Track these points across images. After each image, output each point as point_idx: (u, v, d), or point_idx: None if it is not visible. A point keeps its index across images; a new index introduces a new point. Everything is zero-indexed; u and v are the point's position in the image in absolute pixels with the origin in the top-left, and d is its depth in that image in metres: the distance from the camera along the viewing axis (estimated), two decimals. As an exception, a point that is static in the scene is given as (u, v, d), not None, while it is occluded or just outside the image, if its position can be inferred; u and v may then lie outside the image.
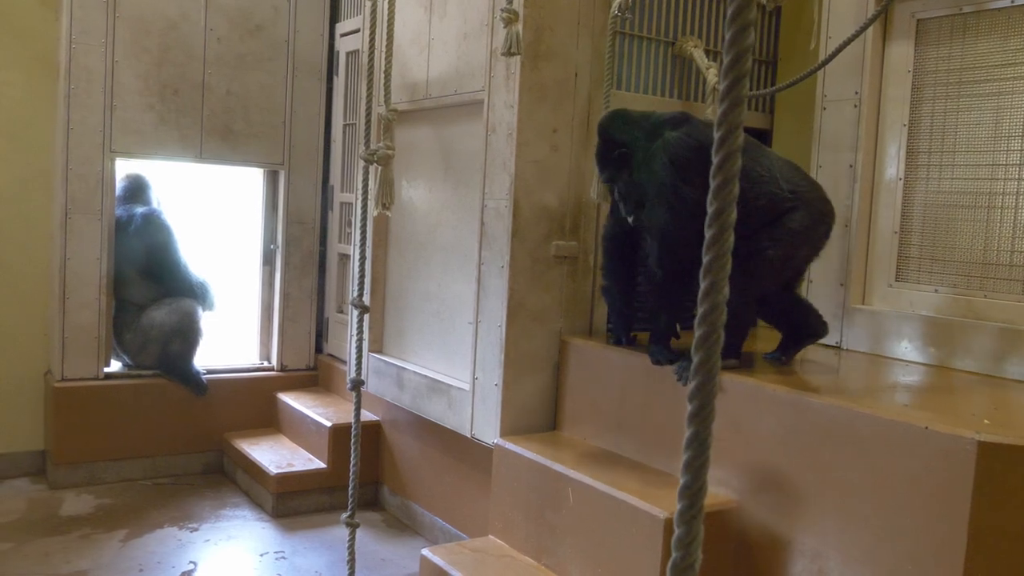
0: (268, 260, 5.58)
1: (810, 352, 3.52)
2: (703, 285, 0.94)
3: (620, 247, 3.29)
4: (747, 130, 3.81)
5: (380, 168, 3.47)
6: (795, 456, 2.64)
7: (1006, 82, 3.15)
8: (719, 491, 2.87)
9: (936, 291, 3.32)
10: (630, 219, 3.08)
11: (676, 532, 0.95)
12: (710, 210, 0.93)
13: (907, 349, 3.33)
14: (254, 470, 4.79)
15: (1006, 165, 3.14)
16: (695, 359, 0.95)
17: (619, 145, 3.06)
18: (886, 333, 3.40)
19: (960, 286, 3.26)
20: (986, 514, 2.17)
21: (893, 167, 3.47)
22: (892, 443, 2.35)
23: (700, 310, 0.94)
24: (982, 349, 3.11)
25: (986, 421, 2.35)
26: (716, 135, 0.93)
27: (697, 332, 0.95)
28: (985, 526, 2.18)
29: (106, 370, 4.99)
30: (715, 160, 0.93)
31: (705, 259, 0.93)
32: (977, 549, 2.18)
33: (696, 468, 0.94)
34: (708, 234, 0.93)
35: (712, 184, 0.93)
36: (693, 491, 0.94)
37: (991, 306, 3.14)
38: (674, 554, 0.94)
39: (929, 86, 3.38)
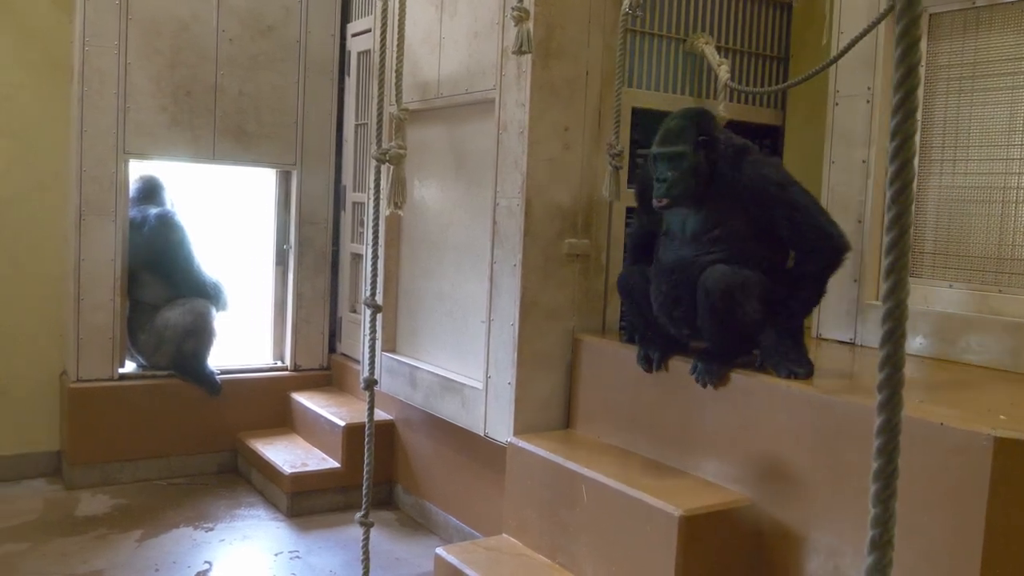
0: (281, 260, 5.60)
1: (824, 349, 3.51)
2: (886, 286, 0.98)
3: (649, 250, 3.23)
4: (760, 127, 3.79)
5: (392, 167, 3.47)
6: (810, 453, 2.63)
7: (1019, 76, 3.13)
8: (734, 488, 2.87)
9: (951, 286, 3.30)
10: (662, 202, 2.94)
11: (872, 512, 1.06)
12: (889, 216, 0.97)
13: (922, 345, 3.31)
14: (268, 470, 4.81)
15: (1020, 159, 3.12)
16: (882, 354, 0.98)
17: (706, 134, 2.99)
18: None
19: (975, 281, 3.24)
20: (1003, 510, 2.16)
21: (914, 164, 3.44)
22: (907, 440, 2.32)
23: (885, 307, 0.99)
24: (997, 344, 3.09)
25: (1002, 417, 2.34)
26: (891, 144, 0.96)
27: (884, 326, 1.00)
28: (1002, 522, 2.17)
29: (121, 371, 5.01)
30: (891, 168, 0.96)
31: (887, 261, 0.98)
32: (994, 545, 2.16)
33: (889, 452, 0.97)
34: (888, 237, 0.98)
35: (889, 191, 0.97)
36: (886, 474, 0.96)
37: (1006, 301, 3.12)
38: (871, 532, 0.99)
39: (942, 81, 3.36)
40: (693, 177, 2.94)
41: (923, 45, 3.40)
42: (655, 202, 2.96)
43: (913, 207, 0.89)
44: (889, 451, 0.97)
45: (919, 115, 3.37)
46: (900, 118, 0.93)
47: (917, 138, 0.94)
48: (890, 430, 0.97)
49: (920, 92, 0.95)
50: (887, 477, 0.98)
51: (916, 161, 3.38)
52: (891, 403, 0.97)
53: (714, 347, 2.93)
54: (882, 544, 0.97)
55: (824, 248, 2.83)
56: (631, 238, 3.52)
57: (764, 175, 2.90)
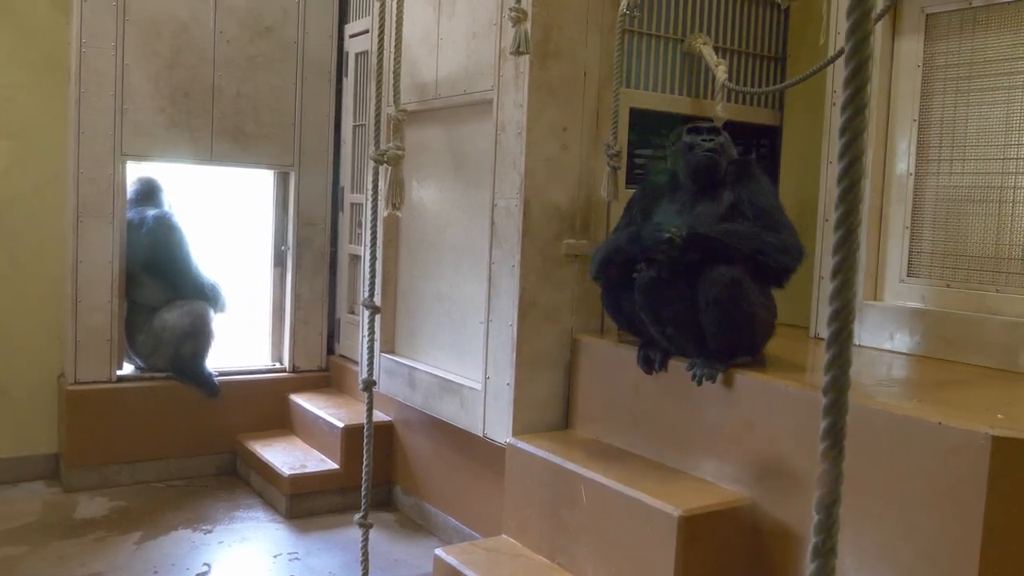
0: (279, 261, 5.60)
1: (823, 348, 3.51)
2: (834, 284, 0.95)
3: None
4: (758, 127, 3.85)
5: (390, 168, 3.48)
6: (809, 453, 2.63)
7: (1017, 76, 3.14)
8: (733, 488, 2.87)
9: (948, 286, 3.30)
10: (712, 160, 3.07)
11: (816, 517, 1.01)
12: (837, 213, 0.96)
13: (919, 344, 3.32)
14: (267, 471, 4.80)
15: (1017, 159, 3.12)
16: (827, 354, 0.99)
17: (725, 135, 3.19)
18: (898, 328, 3.39)
19: (972, 281, 3.25)
20: (1001, 509, 2.17)
21: (904, 162, 3.45)
22: (905, 439, 2.35)
23: (832, 307, 0.98)
24: (995, 343, 3.09)
25: (1000, 416, 2.34)
26: (840, 141, 0.94)
27: (829, 328, 0.99)
28: (1000, 521, 2.17)
29: (119, 373, 5.01)
30: (840, 166, 0.95)
31: (835, 259, 0.97)
32: (992, 544, 2.17)
33: (833, 458, 0.95)
34: (837, 235, 0.96)
35: (838, 188, 0.95)
36: (832, 477, 1.00)
37: (1004, 300, 3.13)
38: (815, 539, 0.98)
39: (939, 81, 3.37)
40: (724, 156, 3.12)
41: (919, 44, 3.41)
42: (707, 154, 3.07)
43: (862, 205, 0.88)
44: (833, 455, 0.97)
45: (914, 114, 3.38)
46: (850, 113, 0.93)
47: (865, 136, 0.93)
48: (835, 434, 0.96)
49: (870, 88, 0.94)
50: (831, 482, 0.97)
51: (910, 161, 3.39)
52: (836, 406, 0.97)
53: (714, 346, 2.93)
54: (824, 552, 0.97)
55: (797, 266, 2.95)
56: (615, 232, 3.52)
57: (760, 194, 3.03)
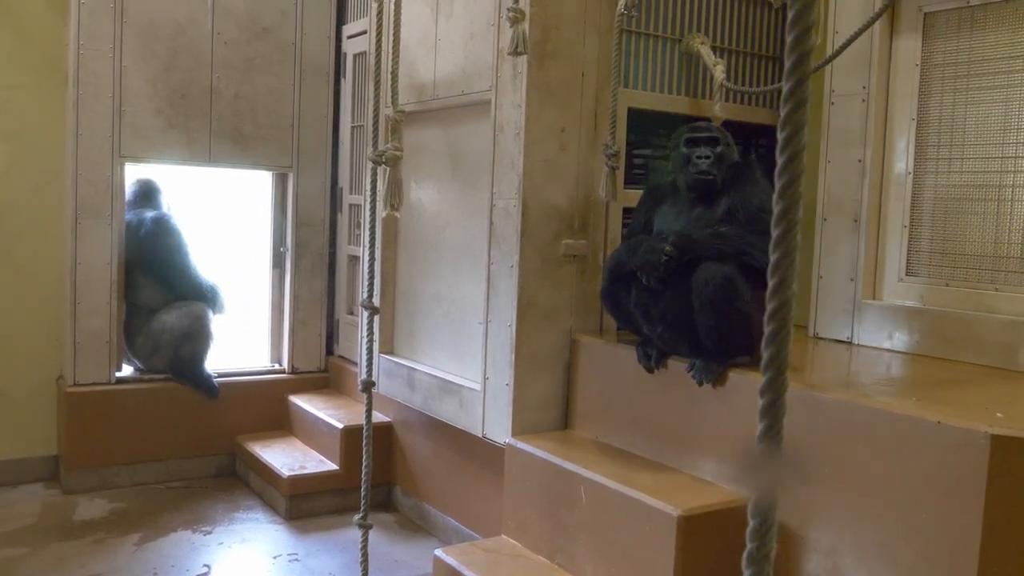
0: (278, 263, 5.59)
1: (821, 348, 3.51)
2: (772, 283, 0.94)
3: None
4: (756, 126, 3.85)
5: (388, 169, 3.48)
6: (808, 452, 2.63)
7: (1015, 75, 3.14)
8: (731, 488, 2.87)
9: (947, 285, 3.30)
10: (708, 176, 3.06)
11: (751, 523, 0.97)
12: (776, 208, 0.95)
13: (918, 343, 3.32)
14: (266, 473, 4.80)
15: (1016, 158, 3.13)
16: (765, 354, 0.97)
17: (726, 137, 3.19)
18: (897, 328, 3.39)
19: (971, 279, 3.25)
20: (1001, 508, 2.17)
21: (902, 161, 3.46)
22: (905, 438, 2.35)
23: (770, 306, 0.96)
24: (994, 342, 3.10)
25: (999, 414, 2.34)
26: (780, 135, 0.93)
27: (768, 327, 0.96)
28: (1000, 520, 2.17)
29: (118, 375, 5.01)
30: (780, 160, 0.93)
31: (773, 257, 0.95)
32: (992, 543, 2.17)
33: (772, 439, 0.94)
34: (775, 232, 0.95)
35: (778, 184, 0.94)
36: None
37: (1002, 299, 3.13)
38: (749, 545, 0.96)
39: (937, 80, 3.37)
40: (722, 165, 3.11)
41: (917, 43, 3.41)
42: (699, 176, 3.06)
43: (801, 201, 0.87)
44: (771, 459, 0.95)
45: (912, 113, 3.38)
46: (791, 107, 0.92)
47: (805, 130, 0.93)
48: (772, 437, 0.95)
49: (809, 84, 0.93)
50: (769, 488, 0.95)
51: (909, 161, 3.39)
52: (774, 408, 0.95)
53: (711, 346, 2.93)
54: (759, 559, 0.95)
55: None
56: (627, 237, 3.54)
57: (754, 198, 3.02)
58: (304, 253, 5.50)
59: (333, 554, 4.17)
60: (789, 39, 0.92)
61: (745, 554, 0.95)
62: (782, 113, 0.93)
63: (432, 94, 4.11)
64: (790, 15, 0.92)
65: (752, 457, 0.95)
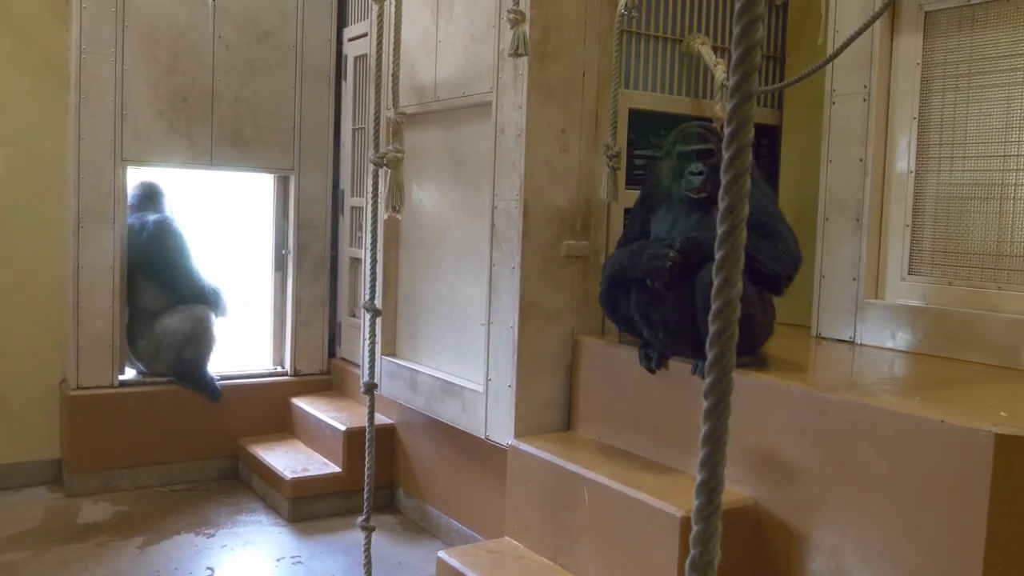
0: (280, 265, 5.60)
1: (824, 347, 3.51)
2: (716, 281, 0.94)
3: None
4: (757, 126, 3.84)
5: (390, 171, 3.48)
6: (811, 452, 2.63)
7: (1016, 73, 3.14)
8: (735, 488, 2.86)
9: (949, 284, 3.30)
10: (700, 194, 3.05)
11: (694, 529, 0.95)
12: (722, 205, 0.93)
13: (921, 342, 3.31)
14: (269, 475, 4.80)
15: (1017, 156, 3.12)
16: (710, 355, 0.96)
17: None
18: (900, 327, 3.39)
19: (973, 278, 3.24)
20: (1005, 507, 2.16)
21: (904, 160, 3.45)
22: (908, 437, 2.34)
23: (714, 305, 0.94)
24: (997, 341, 3.09)
25: (1003, 413, 2.34)
26: (727, 130, 0.93)
27: (712, 327, 0.95)
28: (1004, 519, 2.17)
29: (121, 378, 5.01)
30: (726, 155, 0.93)
31: (718, 255, 0.93)
32: (996, 542, 2.16)
33: (712, 465, 0.94)
34: (721, 229, 0.93)
35: (724, 179, 0.94)
36: (710, 487, 0.94)
37: (1005, 298, 3.13)
38: (692, 551, 0.94)
39: (938, 78, 3.36)
40: (717, 175, 3.04)
41: (918, 42, 3.41)
42: (691, 194, 3.04)
43: (747, 186, 0.87)
44: (713, 463, 0.94)
45: (914, 112, 3.38)
46: (738, 99, 0.92)
47: (752, 103, 0.93)
48: (715, 440, 0.94)
49: (755, 78, 0.93)
50: (710, 490, 0.95)
51: (911, 160, 3.38)
52: (718, 410, 0.94)
53: None
54: (702, 565, 0.95)
55: (792, 274, 2.96)
56: (623, 241, 3.53)
57: (759, 202, 3.00)
58: (306, 255, 5.51)
59: (336, 556, 4.17)
60: (737, 29, 0.91)
61: (688, 560, 0.94)
62: (729, 106, 0.93)
63: (433, 96, 4.11)
64: (737, 7, 0.92)
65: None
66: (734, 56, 0.92)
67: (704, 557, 0.94)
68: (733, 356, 0.94)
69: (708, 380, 0.94)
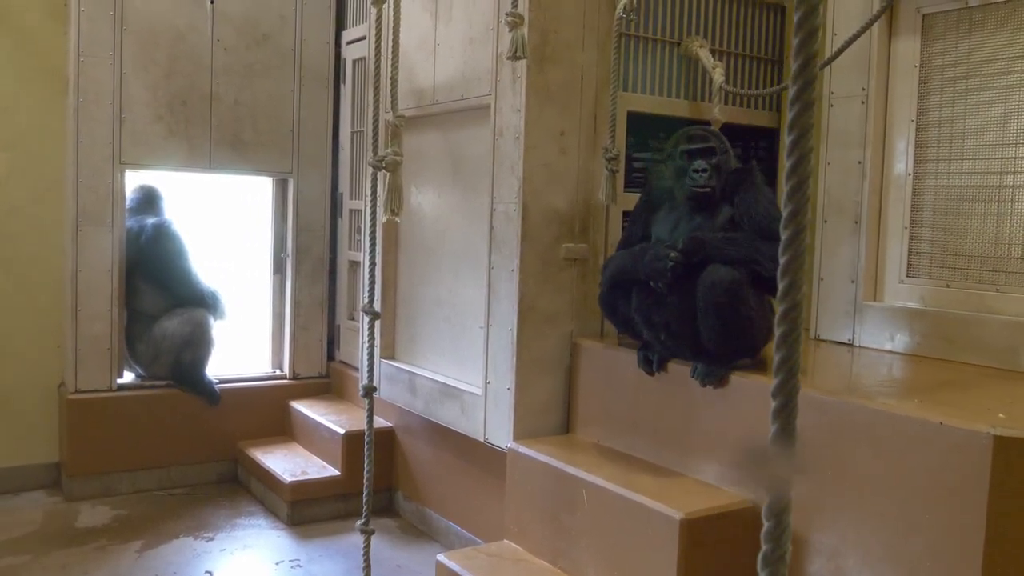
0: (278, 268, 5.60)
1: (823, 350, 3.51)
2: (782, 285, 0.95)
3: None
4: (755, 129, 3.84)
5: (389, 174, 3.48)
6: (810, 455, 2.63)
7: (1014, 75, 3.14)
8: (734, 490, 2.87)
9: (948, 286, 3.30)
10: (704, 189, 3.05)
11: (765, 525, 0.97)
12: (785, 211, 0.95)
13: (920, 345, 3.31)
14: (268, 479, 4.80)
15: (1015, 159, 3.13)
16: (776, 357, 0.97)
17: (724, 143, 3.16)
18: (898, 329, 3.39)
19: (972, 280, 3.25)
20: (1004, 508, 2.16)
21: (902, 163, 3.46)
22: (907, 439, 2.34)
23: (781, 308, 0.96)
24: (995, 343, 3.09)
25: (1001, 415, 2.34)
26: (788, 138, 0.94)
27: (779, 330, 0.96)
28: (1003, 520, 2.17)
29: (119, 381, 5.00)
30: (788, 162, 0.94)
31: (783, 259, 0.95)
32: (995, 543, 2.16)
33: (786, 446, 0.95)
34: (785, 235, 0.95)
35: (787, 186, 0.95)
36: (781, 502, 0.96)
37: (1004, 300, 3.13)
38: (764, 547, 0.96)
39: (936, 81, 3.37)
40: (720, 174, 3.08)
41: (916, 45, 3.41)
42: (696, 189, 3.05)
43: (808, 204, 0.89)
44: (784, 460, 0.95)
45: (912, 114, 3.38)
46: (798, 109, 0.93)
47: (812, 132, 0.93)
48: (785, 438, 0.95)
49: (816, 86, 0.94)
50: (781, 488, 0.95)
51: (908, 162, 3.39)
52: (786, 410, 0.95)
53: (713, 349, 2.93)
54: (775, 560, 0.95)
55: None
56: (624, 243, 3.53)
57: (758, 205, 3.01)
58: (305, 259, 5.50)
59: (335, 560, 4.17)
60: (795, 41, 0.92)
61: (760, 556, 0.95)
62: (789, 115, 0.94)
63: (432, 99, 4.11)
64: (796, 16, 0.92)
65: (763, 458, 0.95)
66: (794, 66, 0.93)
67: (776, 552, 0.97)
68: (799, 358, 0.96)
69: (776, 381, 0.96)
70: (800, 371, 0.96)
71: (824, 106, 3.67)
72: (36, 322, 5.00)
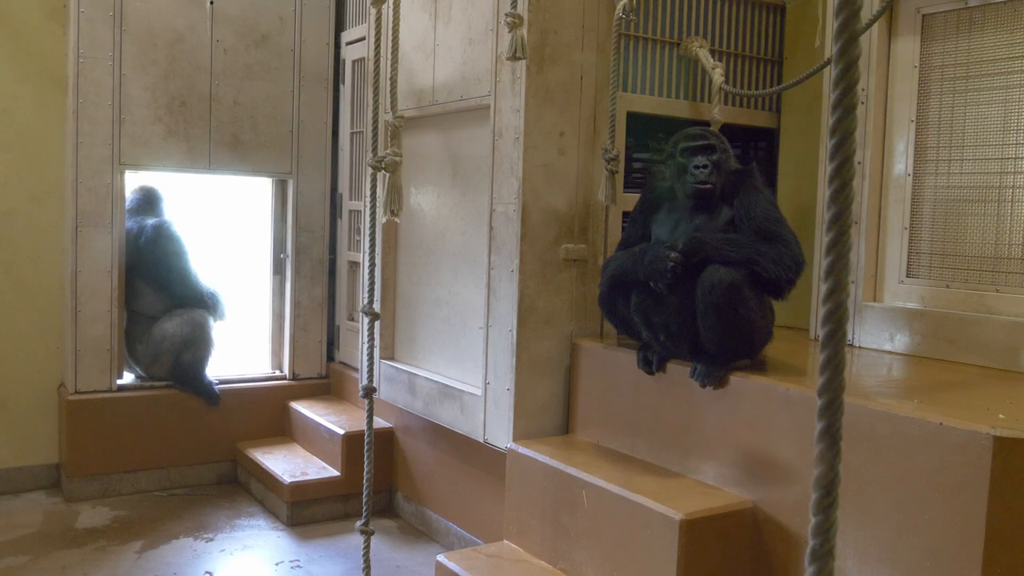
0: (278, 269, 5.60)
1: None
2: (826, 286, 0.97)
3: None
4: (755, 129, 3.84)
5: (388, 175, 3.48)
6: (810, 455, 2.62)
7: (1013, 75, 3.14)
8: (734, 491, 2.87)
9: (947, 286, 3.30)
10: (705, 186, 3.04)
11: (813, 520, 0.98)
12: (828, 214, 0.97)
13: (919, 345, 3.31)
14: (268, 479, 4.80)
15: (1015, 159, 3.13)
16: (822, 356, 0.97)
17: (723, 143, 3.16)
18: (898, 329, 3.39)
19: (971, 281, 3.25)
20: (1004, 508, 2.16)
21: (902, 163, 3.46)
22: (907, 440, 2.34)
23: (824, 309, 0.98)
24: (995, 343, 3.09)
25: (1001, 416, 2.34)
26: (831, 141, 0.96)
27: (824, 329, 0.98)
28: (1003, 520, 2.17)
29: (119, 382, 5.00)
30: (831, 166, 0.96)
31: (827, 260, 0.97)
32: (995, 544, 2.16)
33: (829, 459, 0.98)
34: (828, 237, 0.97)
35: (829, 188, 0.97)
36: (828, 480, 0.98)
37: (1003, 300, 3.13)
38: (812, 541, 0.97)
39: (936, 81, 3.37)
40: (720, 172, 3.09)
41: (916, 45, 3.41)
42: (697, 185, 3.05)
43: (852, 207, 0.90)
44: (830, 457, 0.97)
45: (912, 114, 3.38)
46: (840, 113, 0.94)
47: (854, 136, 0.95)
48: (831, 436, 0.96)
49: (857, 86, 0.95)
50: (828, 484, 0.97)
51: (908, 162, 3.39)
52: (832, 408, 0.96)
53: (713, 350, 2.93)
54: (823, 554, 0.96)
55: (794, 278, 2.92)
56: (624, 244, 3.53)
57: (758, 206, 3.01)
58: (304, 259, 5.50)
59: (335, 560, 4.17)
60: (836, 47, 0.93)
61: (808, 551, 0.97)
62: (831, 120, 0.95)
63: (431, 99, 4.11)
64: (836, 23, 0.94)
65: None
66: (835, 72, 0.94)
67: (824, 547, 0.97)
68: (844, 356, 0.97)
69: (822, 379, 0.98)
70: (843, 370, 0.98)
71: (824, 106, 3.66)
72: (36, 323, 5.00)
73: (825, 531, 0.96)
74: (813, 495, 0.99)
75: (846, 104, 0.93)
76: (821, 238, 3.64)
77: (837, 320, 0.96)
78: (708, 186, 3.04)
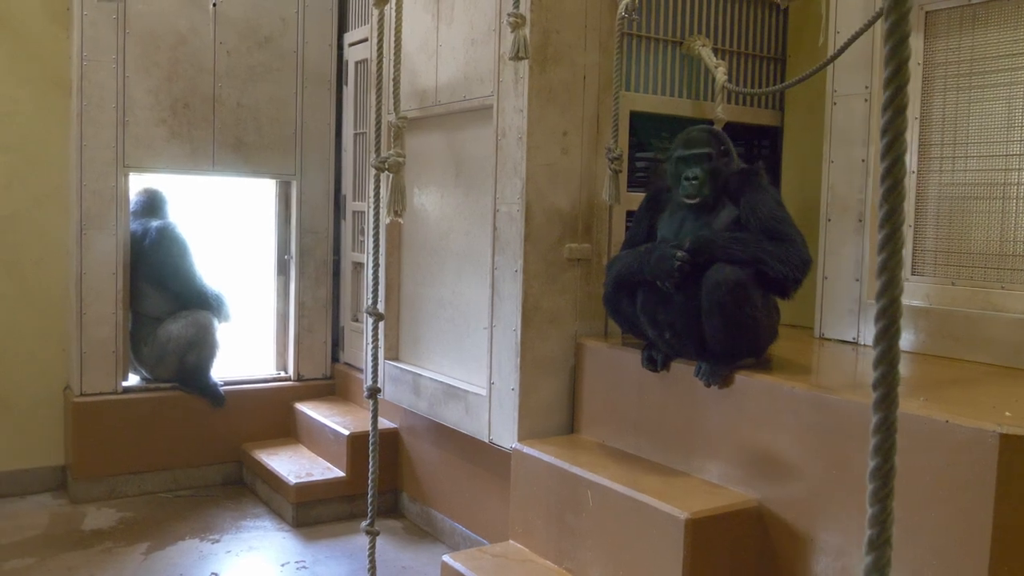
0: (282, 270, 5.60)
1: (828, 349, 3.50)
2: (880, 282, 1.00)
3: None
4: (758, 128, 3.84)
5: (391, 176, 3.48)
6: (815, 454, 2.62)
7: (1017, 72, 3.13)
8: (739, 490, 2.86)
9: (953, 284, 3.29)
10: (694, 199, 3.04)
11: (870, 511, 1.02)
12: (881, 212, 1.00)
13: (925, 343, 3.31)
14: (273, 480, 4.80)
15: (1020, 155, 3.12)
16: (876, 351, 1.00)
17: (724, 144, 3.14)
18: (903, 327, 3.37)
19: (977, 278, 3.24)
20: (1010, 506, 2.16)
21: (905, 160, 3.44)
22: (913, 438, 2.34)
23: (879, 304, 1.01)
24: (1001, 341, 3.08)
25: (1008, 413, 2.33)
26: (883, 141, 0.98)
27: (877, 325, 1.01)
28: (1009, 518, 2.16)
29: (124, 384, 5.01)
30: (883, 166, 0.99)
31: (880, 257, 1.00)
32: (1002, 542, 2.16)
33: (885, 450, 1.00)
34: (881, 234, 1.00)
35: (882, 188, 0.99)
36: (884, 472, 1.01)
37: (1009, 297, 3.12)
38: (869, 531, 1.00)
39: (939, 78, 3.36)
40: (716, 179, 3.06)
41: (919, 42, 3.40)
42: (686, 199, 3.05)
43: (904, 204, 0.92)
44: (886, 449, 0.97)
45: (915, 111, 3.38)
46: (891, 114, 0.94)
47: (907, 135, 0.96)
48: (886, 428, 0.97)
49: (908, 88, 0.96)
50: (884, 475, 0.98)
51: (912, 159, 3.38)
52: (887, 400, 0.97)
53: (718, 349, 2.93)
54: (880, 543, 0.97)
55: (800, 277, 2.91)
56: (629, 243, 3.53)
57: (763, 206, 2.99)
58: (308, 260, 5.51)
59: (340, 561, 4.17)
60: (886, 49, 0.94)
61: (866, 540, 1.00)
62: (882, 121, 0.98)
63: (434, 100, 4.11)
64: (886, 28, 0.94)
65: None
66: (886, 72, 0.95)
67: (881, 536, 1.01)
68: (898, 351, 1.00)
69: (877, 373, 1.01)
70: (897, 364, 1.00)
71: (827, 104, 3.66)
72: (41, 325, 5.01)
73: (882, 521, 0.99)
74: (870, 486, 1.02)
75: (896, 104, 0.94)
76: (824, 235, 3.64)
77: (891, 315, 0.97)
78: (695, 200, 3.04)
